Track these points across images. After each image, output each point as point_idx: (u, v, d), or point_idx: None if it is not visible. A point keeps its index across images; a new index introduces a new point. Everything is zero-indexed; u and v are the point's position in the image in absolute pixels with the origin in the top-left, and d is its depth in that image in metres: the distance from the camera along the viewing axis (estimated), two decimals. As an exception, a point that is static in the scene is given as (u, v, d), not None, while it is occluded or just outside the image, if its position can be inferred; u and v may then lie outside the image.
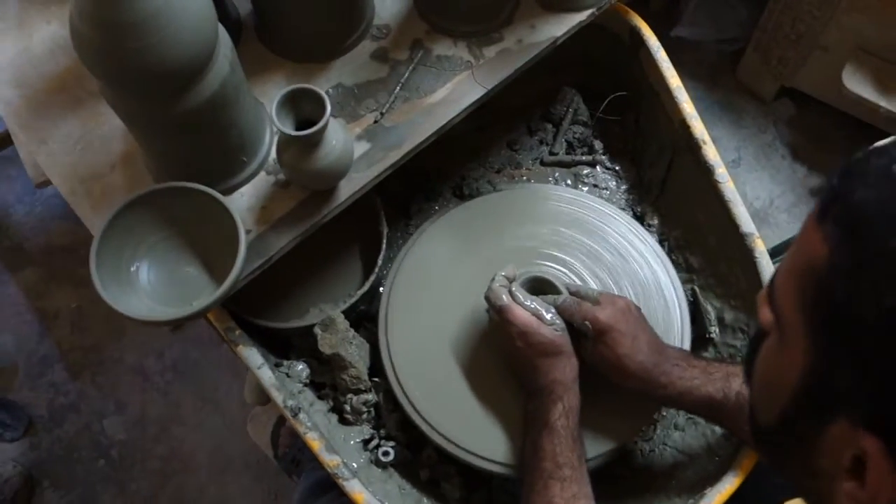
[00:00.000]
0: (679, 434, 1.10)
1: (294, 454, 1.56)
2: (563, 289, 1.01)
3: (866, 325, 0.42)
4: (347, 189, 1.02)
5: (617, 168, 1.32)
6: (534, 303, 0.97)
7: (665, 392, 0.94)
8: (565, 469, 0.88)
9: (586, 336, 0.95)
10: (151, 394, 1.90)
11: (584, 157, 1.32)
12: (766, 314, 0.52)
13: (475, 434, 1.04)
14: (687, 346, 1.13)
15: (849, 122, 1.93)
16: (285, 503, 1.76)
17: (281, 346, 1.17)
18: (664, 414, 1.13)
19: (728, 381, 0.92)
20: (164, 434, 1.87)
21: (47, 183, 1.11)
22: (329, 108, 0.89)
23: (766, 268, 1.05)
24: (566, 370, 0.94)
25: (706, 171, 1.12)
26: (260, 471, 1.81)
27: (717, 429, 1.06)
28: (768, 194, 1.97)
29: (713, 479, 0.95)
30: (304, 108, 0.93)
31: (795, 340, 0.47)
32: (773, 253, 1.60)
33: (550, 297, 1.00)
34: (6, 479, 1.79)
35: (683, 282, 1.18)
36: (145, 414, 1.89)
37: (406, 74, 1.08)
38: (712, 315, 1.14)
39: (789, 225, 1.94)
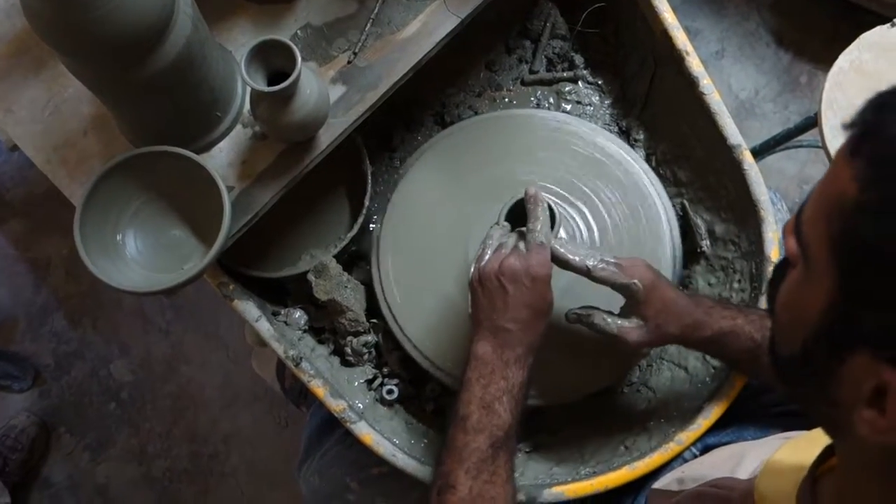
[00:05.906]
0: (675, 348, 1.12)
1: (301, 386, 1.59)
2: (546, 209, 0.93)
3: (893, 265, 0.42)
4: (327, 136, 1.00)
5: (599, 82, 1.29)
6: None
7: (709, 334, 0.89)
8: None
9: (633, 296, 0.89)
10: (153, 335, 1.92)
11: (564, 74, 1.28)
12: (791, 245, 0.51)
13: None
14: (679, 261, 1.13)
15: (834, 3, 1.87)
16: (296, 429, 1.81)
17: (277, 294, 1.18)
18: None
19: (765, 323, 0.87)
20: (170, 373, 1.90)
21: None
22: (300, 60, 0.86)
23: (755, 180, 1.04)
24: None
25: (691, 82, 1.10)
26: (268, 401, 1.85)
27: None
28: (753, 84, 1.94)
29: (710, 396, 0.97)
30: (274, 60, 0.90)
31: (821, 274, 0.47)
32: (761, 149, 1.59)
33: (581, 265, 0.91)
34: (22, 429, 1.83)
35: (672, 196, 1.17)
36: (150, 355, 1.91)
37: (376, 9, 1.03)
38: (703, 229, 1.14)
39: (776, 115, 1.91)
